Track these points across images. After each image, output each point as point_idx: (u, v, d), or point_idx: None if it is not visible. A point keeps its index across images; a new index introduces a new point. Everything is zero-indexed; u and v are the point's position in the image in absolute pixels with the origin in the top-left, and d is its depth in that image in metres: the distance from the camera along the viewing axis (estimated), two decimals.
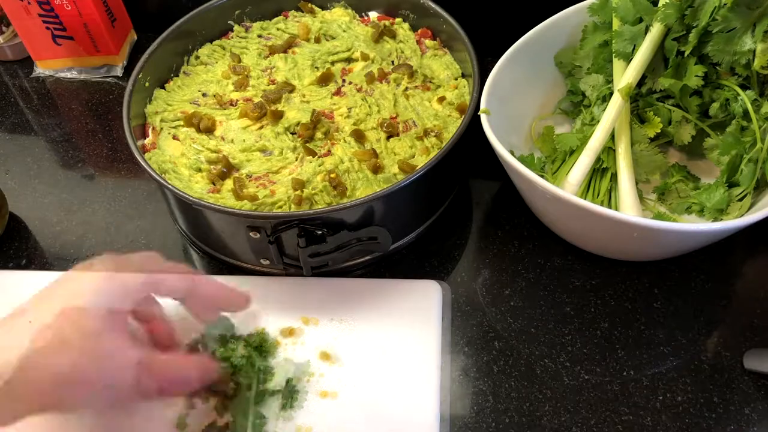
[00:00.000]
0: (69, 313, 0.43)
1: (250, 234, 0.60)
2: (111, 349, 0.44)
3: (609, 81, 0.68)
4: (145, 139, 0.72)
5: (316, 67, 0.77)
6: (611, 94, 0.66)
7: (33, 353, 0.41)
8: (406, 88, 0.74)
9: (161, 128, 0.72)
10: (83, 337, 0.43)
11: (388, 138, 0.69)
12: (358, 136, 0.68)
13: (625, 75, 0.64)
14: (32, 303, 0.45)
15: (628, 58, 0.65)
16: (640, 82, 0.66)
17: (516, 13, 0.79)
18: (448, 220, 0.71)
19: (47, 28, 0.86)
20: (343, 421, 0.56)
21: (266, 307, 0.63)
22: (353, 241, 0.61)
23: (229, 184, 0.66)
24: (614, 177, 0.65)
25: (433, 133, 0.69)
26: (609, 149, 0.66)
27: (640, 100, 0.67)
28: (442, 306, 0.63)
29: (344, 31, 0.81)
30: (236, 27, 0.82)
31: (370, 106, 0.72)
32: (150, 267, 0.49)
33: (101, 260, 0.47)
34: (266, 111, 0.71)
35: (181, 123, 0.72)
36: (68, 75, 0.92)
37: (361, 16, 0.84)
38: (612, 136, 0.65)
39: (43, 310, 0.43)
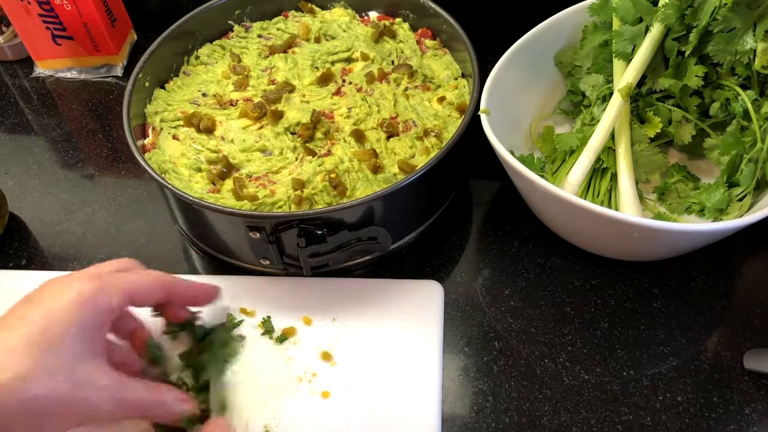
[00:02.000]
0: (44, 338, 0.41)
1: (250, 234, 0.60)
2: (88, 378, 0.42)
3: (609, 81, 0.68)
4: (145, 139, 0.72)
5: (316, 67, 0.77)
6: (611, 94, 0.66)
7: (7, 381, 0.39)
8: (406, 88, 0.74)
9: (161, 128, 0.72)
10: (60, 367, 0.41)
11: (388, 138, 0.69)
12: (358, 136, 0.68)
13: (625, 75, 0.64)
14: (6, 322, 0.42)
15: (628, 58, 0.65)
16: (640, 82, 0.66)
17: (516, 13, 0.79)
18: (448, 220, 0.71)
19: (47, 28, 0.86)
20: (344, 421, 0.56)
21: (266, 307, 0.63)
22: (353, 241, 0.61)
23: (229, 184, 0.66)
24: (614, 177, 0.65)
25: (433, 133, 0.69)
26: (609, 149, 0.66)
27: (640, 100, 0.67)
28: (443, 306, 0.63)
29: (344, 31, 0.81)
30: (236, 27, 0.82)
31: (370, 106, 0.72)
32: (123, 274, 0.47)
33: (75, 277, 0.45)
34: (266, 111, 0.71)
35: (181, 123, 0.72)
36: (68, 75, 0.92)
37: (361, 16, 0.84)
38: (612, 136, 0.65)
39: (16, 333, 0.41)
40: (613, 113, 0.63)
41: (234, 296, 0.64)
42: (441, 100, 0.72)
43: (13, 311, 0.43)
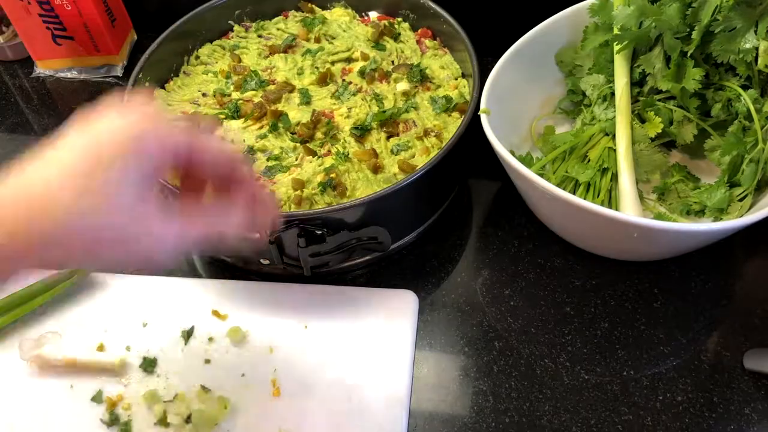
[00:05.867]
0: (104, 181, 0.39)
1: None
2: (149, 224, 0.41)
3: (610, 81, 0.68)
4: None
5: (316, 67, 0.76)
6: (612, 93, 0.66)
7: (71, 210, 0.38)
8: None
9: None
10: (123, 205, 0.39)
11: (388, 138, 0.69)
12: (358, 136, 0.68)
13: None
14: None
15: (629, 58, 0.65)
16: (641, 82, 0.66)
17: (516, 13, 0.79)
18: (448, 220, 0.71)
19: (47, 28, 0.86)
20: (307, 427, 0.56)
21: (239, 312, 0.63)
22: (353, 241, 0.61)
23: None
24: (614, 177, 0.65)
25: (433, 133, 0.68)
26: (609, 149, 0.66)
27: (641, 100, 0.67)
28: (417, 315, 0.63)
29: (344, 31, 0.81)
30: (236, 27, 0.82)
31: (370, 106, 0.71)
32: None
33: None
34: (266, 111, 0.71)
35: None
36: (68, 75, 0.92)
37: (361, 16, 0.83)
38: (612, 136, 0.65)
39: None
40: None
41: (207, 299, 0.64)
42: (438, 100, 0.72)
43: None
